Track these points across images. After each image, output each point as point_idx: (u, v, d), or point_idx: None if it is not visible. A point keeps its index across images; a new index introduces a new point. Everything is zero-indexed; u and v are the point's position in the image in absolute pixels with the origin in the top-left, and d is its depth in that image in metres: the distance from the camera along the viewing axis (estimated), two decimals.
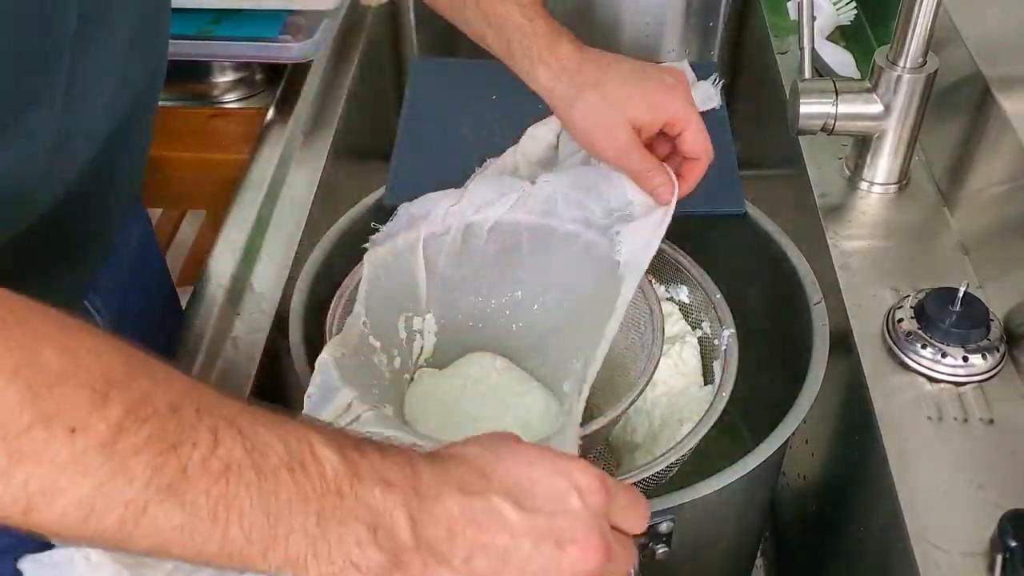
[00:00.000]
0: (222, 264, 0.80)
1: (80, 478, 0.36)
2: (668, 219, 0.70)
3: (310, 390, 0.62)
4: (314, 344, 0.71)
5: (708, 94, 0.91)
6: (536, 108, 0.90)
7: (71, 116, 0.53)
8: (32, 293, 0.52)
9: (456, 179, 0.83)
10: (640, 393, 0.65)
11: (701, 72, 0.94)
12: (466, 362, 0.76)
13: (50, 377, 0.35)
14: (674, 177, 0.70)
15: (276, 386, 0.76)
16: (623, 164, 0.70)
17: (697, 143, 0.70)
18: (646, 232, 0.70)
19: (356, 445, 0.42)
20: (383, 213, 0.81)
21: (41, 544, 0.49)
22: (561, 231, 0.73)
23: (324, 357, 0.63)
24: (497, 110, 0.92)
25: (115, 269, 0.72)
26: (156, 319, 0.81)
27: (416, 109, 0.94)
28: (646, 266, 0.69)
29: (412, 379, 0.75)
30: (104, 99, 0.58)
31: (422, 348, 0.77)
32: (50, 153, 0.53)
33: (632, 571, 0.48)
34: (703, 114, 0.91)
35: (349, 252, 0.76)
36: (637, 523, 0.48)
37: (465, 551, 0.42)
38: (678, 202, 0.82)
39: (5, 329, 0.36)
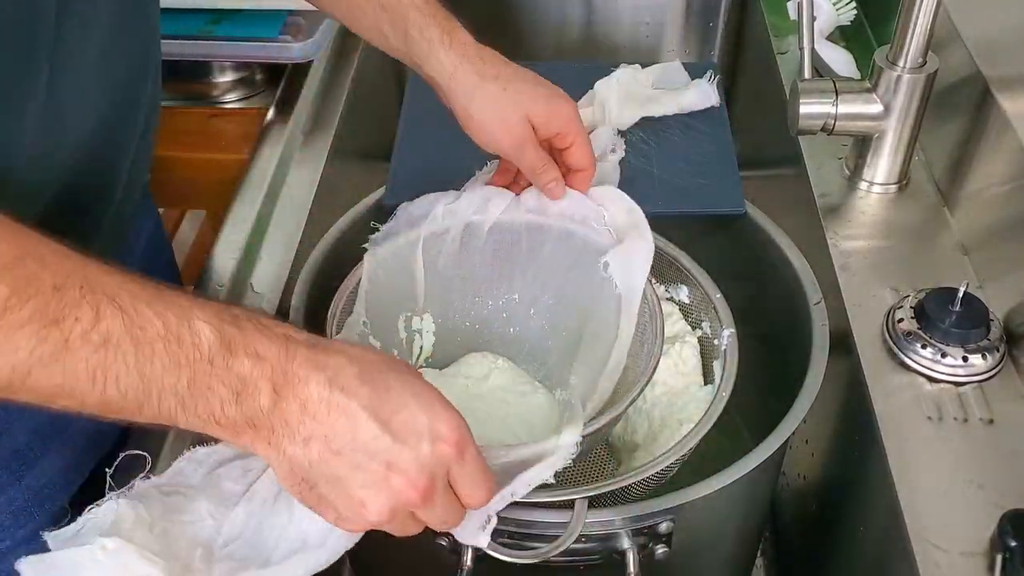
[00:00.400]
0: (222, 264, 0.80)
1: None
2: (651, 246, 0.71)
3: None
4: None
5: (706, 92, 0.91)
6: None
7: (57, 92, 0.53)
8: None
9: (456, 179, 0.83)
10: (640, 393, 0.65)
11: (697, 71, 0.95)
12: (466, 362, 0.76)
13: None
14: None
15: None
16: (518, 158, 0.71)
17: (585, 155, 0.72)
18: (635, 257, 0.70)
19: (235, 321, 0.46)
20: (383, 213, 0.81)
21: (43, 546, 0.50)
22: (557, 229, 0.73)
23: None
24: None
25: (127, 264, 0.72)
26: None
27: (416, 110, 0.94)
28: (640, 290, 0.69)
29: None
30: (92, 78, 0.57)
31: (421, 348, 0.77)
32: (39, 134, 0.53)
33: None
34: (702, 112, 0.91)
35: (349, 252, 0.76)
36: (475, 496, 0.51)
37: (308, 432, 0.46)
38: (679, 201, 0.82)
39: None
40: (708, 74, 0.93)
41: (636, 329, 0.71)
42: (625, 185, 0.84)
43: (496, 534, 0.58)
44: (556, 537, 0.58)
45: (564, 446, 0.57)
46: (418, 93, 0.95)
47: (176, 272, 0.89)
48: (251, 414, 0.46)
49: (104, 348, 0.43)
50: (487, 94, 0.69)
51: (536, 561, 0.58)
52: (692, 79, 0.95)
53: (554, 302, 0.76)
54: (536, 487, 0.56)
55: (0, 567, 0.66)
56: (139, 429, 0.68)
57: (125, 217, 0.70)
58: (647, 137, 0.90)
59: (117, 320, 0.43)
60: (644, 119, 0.92)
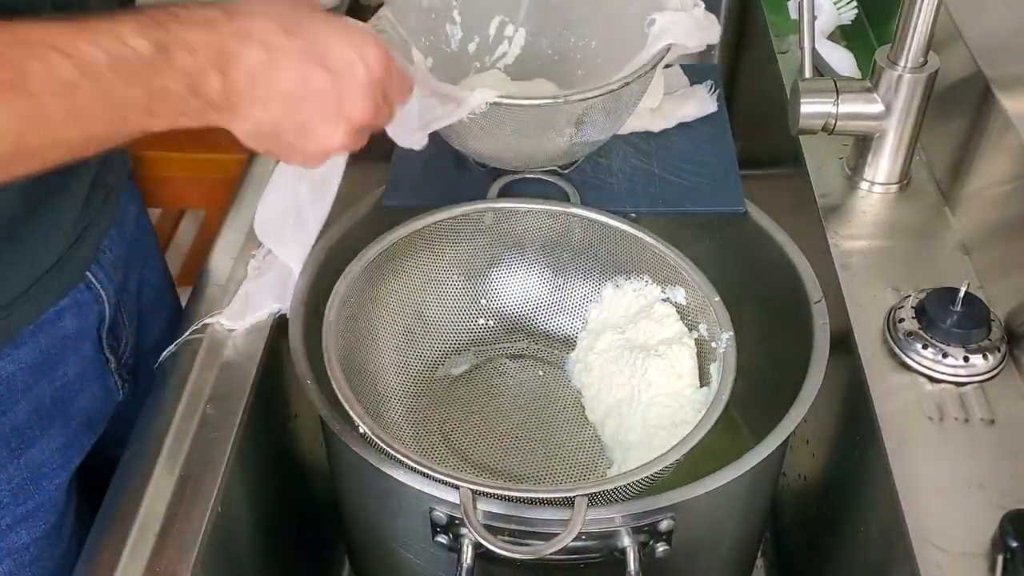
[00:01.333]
0: (222, 264, 0.80)
1: None
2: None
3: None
4: (314, 344, 0.71)
5: (705, 102, 0.91)
6: None
7: None
8: (44, 265, 0.65)
9: (455, 179, 0.83)
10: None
11: (698, 77, 0.94)
12: (534, 85, 0.83)
13: None
14: None
15: (276, 386, 0.76)
16: None
17: None
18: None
19: (159, 23, 0.50)
20: (383, 213, 0.81)
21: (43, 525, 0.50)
22: None
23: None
24: None
25: (115, 245, 0.74)
26: (152, 296, 0.83)
27: None
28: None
29: (479, 68, 0.85)
30: None
31: (505, 54, 0.85)
32: None
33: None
34: (701, 120, 0.92)
35: (349, 252, 0.76)
36: (402, 93, 0.62)
37: (263, 95, 0.53)
38: (680, 201, 0.83)
39: None
40: (709, 84, 0.93)
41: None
42: (626, 185, 0.85)
43: (496, 532, 0.58)
44: (556, 535, 0.58)
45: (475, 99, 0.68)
46: None
47: (161, 257, 0.89)
48: (208, 98, 0.52)
49: (69, 93, 0.47)
50: None
51: (535, 558, 0.58)
52: (692, 83, 0.94)
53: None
54: (535, 485, 0.57)
55: (0, 545, 0.67)
56: (137, 410, 0.69)
57: (108, 187, 0.71)
58: (647, 137, 0.90)
59: (68, 66, 0.47)
60: None
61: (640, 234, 0.77)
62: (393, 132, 0.69)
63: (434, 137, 0.77)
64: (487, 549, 0.58)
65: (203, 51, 0.51)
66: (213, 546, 0.62)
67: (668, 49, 0.76)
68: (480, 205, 0.80)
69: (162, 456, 0.66)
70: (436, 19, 0.83)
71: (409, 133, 0.69)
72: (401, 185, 0.84)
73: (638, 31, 0.79)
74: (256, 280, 0.76)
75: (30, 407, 0.66)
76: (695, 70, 0.96)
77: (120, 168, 0.76)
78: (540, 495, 0.60)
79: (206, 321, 0.74)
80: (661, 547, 0.62)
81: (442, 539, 0.63)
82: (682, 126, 0.91)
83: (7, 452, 0.66)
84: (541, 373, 0.83)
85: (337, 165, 0.72)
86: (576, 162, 0.85)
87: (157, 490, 0.64)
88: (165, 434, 0.67)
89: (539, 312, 0.85)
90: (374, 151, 0.87)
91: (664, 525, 0.61)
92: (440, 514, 0.61)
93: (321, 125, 0.56)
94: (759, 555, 0.91)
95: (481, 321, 0.84)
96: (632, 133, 0.90)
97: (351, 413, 0.63)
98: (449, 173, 0.86)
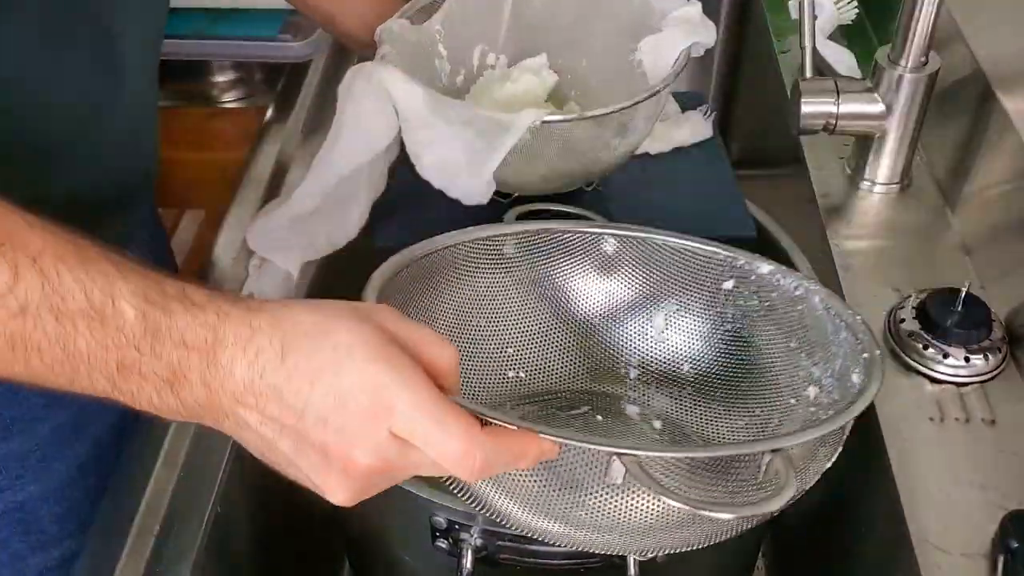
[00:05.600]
0: (222, 264, 0.80)
1: None
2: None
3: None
4: None
5: (699, 127, 0.89)
6: None
7: None
8: None
9: (454, 211, 0.71)
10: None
11: (691, 102, 0.92)
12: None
13: None
14: None
15: None
16: None
17: None
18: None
19: (163, 302, 0.41)
20: (380, 217, 0.80)
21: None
22: None
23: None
24: None
25: (137, 247, 0.75)
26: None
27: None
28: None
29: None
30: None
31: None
32: None
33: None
34: (694, 146, 0.89)
35: (348, 252, 0.75)
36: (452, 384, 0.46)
37: (249, 420, 0.42)
38: (685, 227, 0.73)
39: None
40: (704, 108, 0.90)
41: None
42: (627, 214, 0.77)
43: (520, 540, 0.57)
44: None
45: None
46: None
47: (172, 259, 0.89)
48: (188, 404, 0.42)
49: (22, 316, 0.40)
50: None
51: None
52: (684, 111, 0.92)
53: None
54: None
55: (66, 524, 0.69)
56: None
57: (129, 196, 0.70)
58: (644, 163, 0.86)
59: (36, 287, 0.40)
60: None
61: (693, 244, 0.70)
62: (457, 194, 0.65)
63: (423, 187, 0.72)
64: (511, 560, 0.56)
65: (195, 353, 0.41)
66: (213, 546, 0.62)
67: (690, 48, 0.75)
68: (501, 229, 0.69)
69: (161, 456, 0.65)
70: (425, 54, 0.80)
71: (469, 189, 0.63)
72: (390, 225, 0.77)
73: (626, 53, 0.79)
74: (257, 280, 0.76)
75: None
76: (684, 97, 0.93)
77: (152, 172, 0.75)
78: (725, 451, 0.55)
79: None
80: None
81: (442, 543, 0.62)
82: (677, 152, 0.87)
83: (73, 430, 0.68)
84: (600, 419, 0.69)
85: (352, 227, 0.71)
86: (595, 184, 0.81)
87: (156, 490, 0.64)
88: (165, 434, 0.67)
89: (580, 356, 0.72)
90: None
91: None
92: (440, 519, 0.61)
93: (310, 471, 0.45)
94: (759, 555, 0.91)
95: (511, 374, 0.70)
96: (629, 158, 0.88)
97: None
98: (445, 210, 0.72)
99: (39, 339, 0.40)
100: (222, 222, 0.85)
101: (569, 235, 0.71)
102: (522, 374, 0.70)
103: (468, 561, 0.61)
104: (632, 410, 0.70)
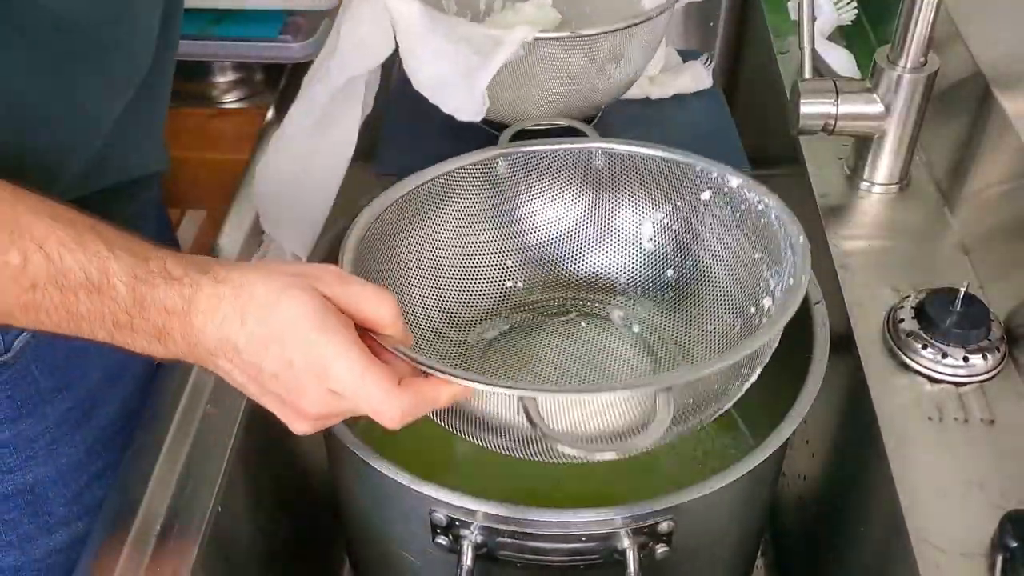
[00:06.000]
0: None
1: None
2: None
3: None
4: None
5: (699, 75, 0.91)
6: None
7: None
8: None
9: (451, 142, 0.78)
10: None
11: (690, 57, 0.94)
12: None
13: None
14: None
15: None
16: None
17: None
18: None
19: (148, 277, 0.49)
20: (381, 139, 0.80)
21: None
22: None
23: None
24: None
25: (149, 220, 0.77)
26: None
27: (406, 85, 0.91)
28: None
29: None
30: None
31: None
32: None
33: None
34: (695, 95, 0.91)
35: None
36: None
37: (226, 367, 0.51)
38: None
39: None
40: (703, 57, 0.92)
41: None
42: None
43: (519, 536, 0.58)
44: (575, 538, 0.58)
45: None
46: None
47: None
48: (175, 353, 0.51)
49: (32, 291, 0.48)
50: None
51: (620, 456, 0.54)
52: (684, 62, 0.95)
53: None
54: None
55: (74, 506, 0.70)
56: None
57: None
58: (645, 107, 0.89)
59: (43, 268, 0.47)
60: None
61: (674, 155, 0.74)
62: (451, 109, 0.68)
63: (424, 98, 0.75)
64: (511, 557, 0.57)
65: (175, 317, 0.50)
66: (213, 546, 0.62)
67: None
68: (492, 152, 0.74)
69: (162, 456, 0.66)
70: None
71: (463, 103, 0.67)
72: (391, 152, 0.82)
73: None
74: None
75: (102, 370, 0.70)
76: (683, 53, 0.96)
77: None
78: (617, 392, 0.57)
79: None
80: (661, 548, 0.62)
81: (442, 540, 0.63)
82: (678, 99, 0.90)
83: (82, 414, 0.69)
84: (584, 325, 0.78)
85: (349, 138, 0.72)
86: (597, 116, 0.84)
87: (157, 490, 0.64)
88: (165, 434, 0.67)
89: (572, 264, 0.80)
90: (373, 151, 0.88)
91: (664, 526, 0.61)
92: (440, 515, 0.61)
93: (280, 407, 0.53)
94: (759, 555, 0.91)
95: (509, 283, 0.78)
96: (629, 101, 0.89)
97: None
98: (443, 137, 0.80)
99: (48, 306, 0.48)
100: (223, 222, 0.85)
101: (559, 152, 0.75)
102: (520, 284, 0.78)
103: (468, 558, 0.61)
104: (616, 315, 0.78)
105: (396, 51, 0.75)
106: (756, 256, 0.71)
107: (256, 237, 0.81)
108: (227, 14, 1.03)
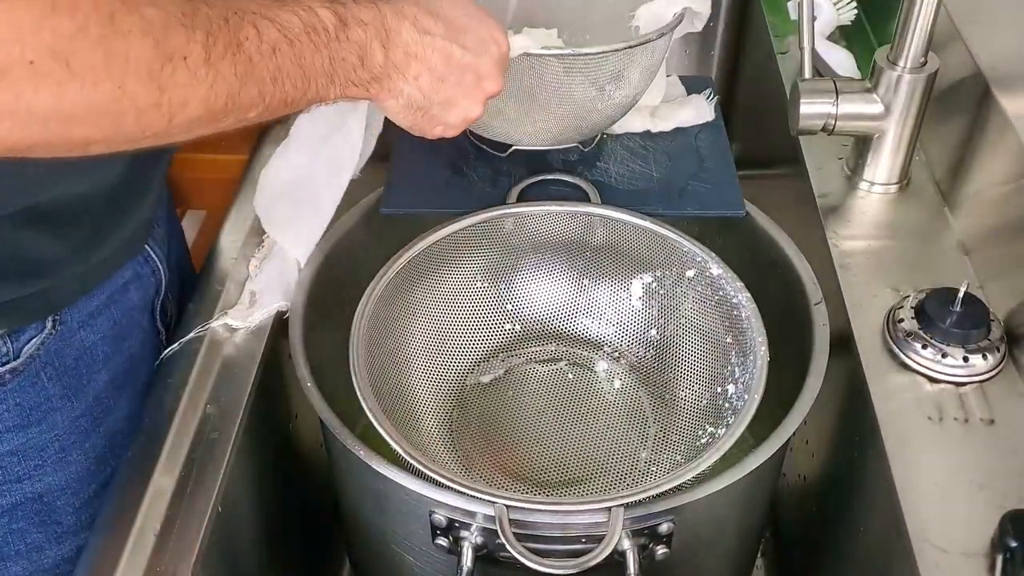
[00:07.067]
0: (223, 264, 0.80)
1: (198, 86, 0.50)
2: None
3: None
4: (314, 344, 0.71)
5: (702, 109, 0.91)
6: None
7: None
8: (133, 228, 0.70)
9: (456, 184, 0.82)
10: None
11: (696, 86, 0.94)
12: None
13: (157, 27, 0.47)
14: None
15: (277, 386, 0.76)
16: None
17: None
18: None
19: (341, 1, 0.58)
20: (382, 216, 0.81)
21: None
22: None
23: None
24: None
25: (160, 220, 0.77)
26: (186, 266, 0.86)
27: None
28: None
29: None
30: None
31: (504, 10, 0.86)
32: None
33: None
34: (698, 127, 0.92)
35: (348, 252, 0.76)
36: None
37: (416, 70, 0.62)
38: (679, 204, 0.83)
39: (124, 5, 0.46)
40: (707, 92, 0.93)
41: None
42: (625, 188, 0.84)
43: (520, 538, 0.59)
44: (575, 539, 0.58)
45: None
46: None
47: (184, 241, 0.90)
48: (373, 70, 0.60)
49: (274, 55, 0.54)
50: None
51: (576, 572, 0.58)
52: (689, 94, 0.94)
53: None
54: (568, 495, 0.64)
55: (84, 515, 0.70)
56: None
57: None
58: (645, 140, 0.89)
59: (273, 30, 0.54)
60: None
61: (665, 231, 0.78)
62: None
63: (429, 145, 0.76)
64: (511, 558, 0.58)
65: (371, 26, 0.59)
66: (213, 546, 0.62)
67: (684, 11, 0.78)
68: (499, 211, 0.80)
69: (162, 456, 0.66)
70: None
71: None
72: (399, 192, 0.84)
73: (627, 22, 0.82)
74: (259, 278, 0.76)
75: (109, 376, 0.70)
76: (692, 81, 0.96)
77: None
78: (575, 508, 0.60)
79: (213, 324, 0.73)
80: (661, 550, 0.62)
81: (442, 541, 0.63)
82: (679, 132, 0.90)
83: (90, 421, 0.69)
84: (571, 376, 0.83)
85: (353, 148, 0.77)
86: (597, 138, 0.86)
87: (157, 490, 0.64)
88: (165, 434, 0.67)
89: (565, 314, 0.85)
90: (373, 152, 0.88)
91: (664, 528, 0.61)
92: (440, 517, 0.61)
93: (464, 98, 0.65)
94: (759, 555, 0.91)
95: (508, 327, 0.85)
96: (630, 135, 0.90)
97: (386, 436, 0.63)
98: (449, 178, 0.85)
99: (287, 67, 0.55)
100: (223, 222, 0.85)
101: (562, 214, 0.81)
102: (517, 327, 0.85)
103: (468, 559, 0.61)
104: (601, 367, 0.84)
105: None
106: (727, 340, 0.75)
107: (256, 237, 0.81)
108: None
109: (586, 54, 0.73)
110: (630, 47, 0.74)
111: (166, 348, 0.75)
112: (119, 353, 0.71)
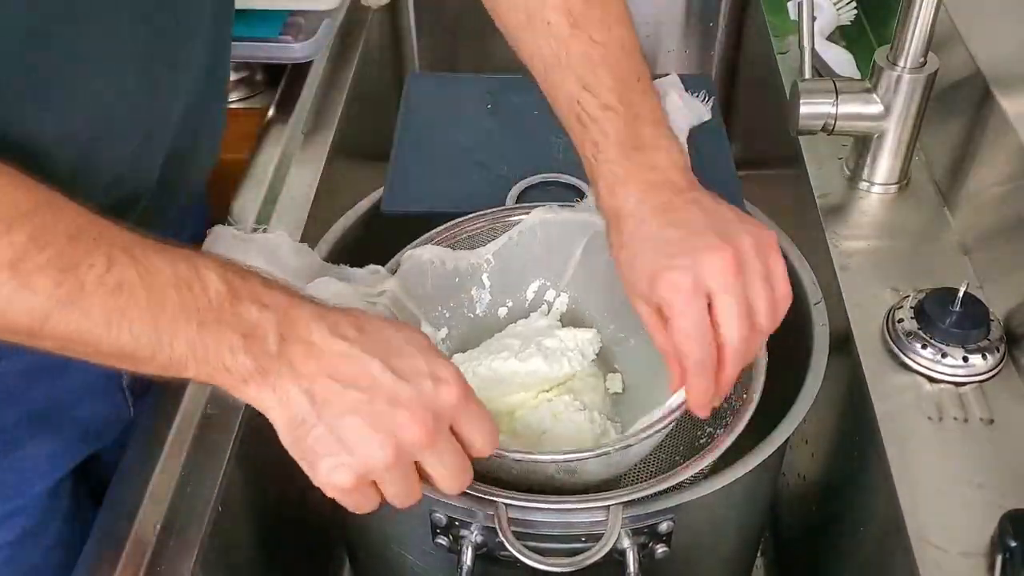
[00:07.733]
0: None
1: None
2: None
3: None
4: None
5: (700, 109, 0.91)
6: (534, 119, 0.90)
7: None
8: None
9: (453, 186, 0.81)
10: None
11: (696, 86, 0.94)
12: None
13: None
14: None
15: None
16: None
17: (682, 339, 0.56)
18: None
19: (242, 274, 0.49)
20: (382, 215, 0.81)
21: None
22: None
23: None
24: (494, 120, 0.92)
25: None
26: None
27: (413, 119, 0.93)
28: None
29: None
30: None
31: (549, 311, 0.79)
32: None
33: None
34: (697, 127, 0.91)
35: (348, 252, 0.75)
36: (480, 442, 0.51)
37: (314, 371, 0.48)
38: None
39: None
40: (703, 93, 0.92)
41: None
42: None
43: (520, 536, 0.58)
44: (575, 538, 0.58)
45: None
46: (414, 105, 0.94)
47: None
48: (259, 358, 0.47)
49: (118, 292, 0.45)
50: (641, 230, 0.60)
51: (573, 570, 0.58)
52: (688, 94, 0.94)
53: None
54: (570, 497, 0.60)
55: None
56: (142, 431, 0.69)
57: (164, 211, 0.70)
58: None
59: (130, 267, 0.46)
60: None
61: None
62: None
63: (432, 140, 0.77)
64: (511, 557, 0.58)
65: (272, 311, 0.48)
66: (213, 546, 0.62)
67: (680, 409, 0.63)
68: (499, 211, 0.78)
69: (162, 456, 0.66)
70: (460, 283, 0.76)
71: None
72: (399, 191, 0.84)
73: None
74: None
75: (21, 411, 0.66)
76: (692, 81, 0.95)
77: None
78: (575, 506, 0.60)
79: None
80: (660, 548, 0.62)
81: (442, 540, 0.63)
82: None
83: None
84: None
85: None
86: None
87: (157, 490, 0.64)
88: (165, 434, 0.67)
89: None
90: (374, 151, 0.88)
91: (664, 527, 0.61)
92: (440, 515, 0.61)
93: (367, 423, 0.48)
94: (759, 555, 0.91)
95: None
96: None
97: None
98: (452, 176, 0.85)
99: (132, 313, 0.46)
100: (223, 223, 0.85)
101: (562, 215, 0.77)
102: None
103: (468, 558, 0.61)
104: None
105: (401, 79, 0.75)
106: None
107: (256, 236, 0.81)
108: None
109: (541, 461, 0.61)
110: (596, 455, 0.61)
111: (126, 392, 0.74)
112: (40, 389, 0.67)
